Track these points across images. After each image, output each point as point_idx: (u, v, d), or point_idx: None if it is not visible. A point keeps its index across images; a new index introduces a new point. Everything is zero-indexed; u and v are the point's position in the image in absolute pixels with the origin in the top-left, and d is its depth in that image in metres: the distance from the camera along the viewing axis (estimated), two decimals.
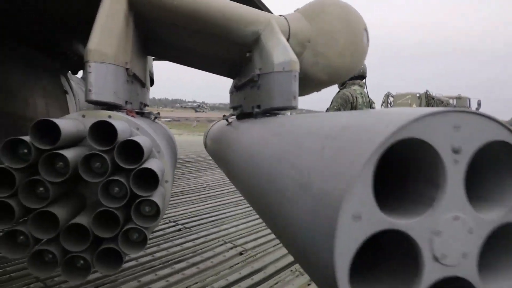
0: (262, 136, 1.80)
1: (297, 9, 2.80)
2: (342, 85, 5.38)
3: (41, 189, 1.46)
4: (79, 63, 4.70)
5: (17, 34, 3.14)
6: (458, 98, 22.59)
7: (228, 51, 2.75)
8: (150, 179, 1.51)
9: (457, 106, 21.60)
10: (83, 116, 1.77)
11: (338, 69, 2.54)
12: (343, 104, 5.11)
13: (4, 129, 2.83)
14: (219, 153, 3.05)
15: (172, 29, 2.52)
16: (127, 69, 2.13)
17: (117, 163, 1.49)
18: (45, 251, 1.46)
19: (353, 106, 5.15)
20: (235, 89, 3.36)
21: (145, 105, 3.28)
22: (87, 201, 1.78)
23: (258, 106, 2.44)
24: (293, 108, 2.04)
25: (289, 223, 1.10)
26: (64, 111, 4.28)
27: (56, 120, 1.43)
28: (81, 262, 1.50)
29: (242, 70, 3.05)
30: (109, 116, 1.78)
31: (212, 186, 7.55)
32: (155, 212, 1.56)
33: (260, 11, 2.43)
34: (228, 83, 3.82)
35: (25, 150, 1.45)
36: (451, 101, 22.32)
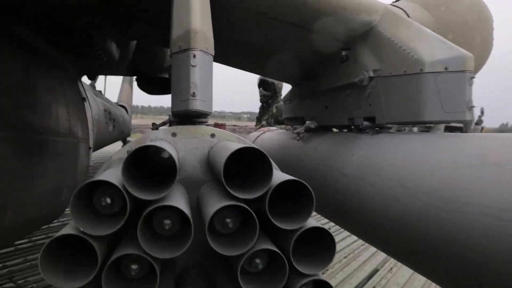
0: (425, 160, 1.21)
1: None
2: (274, 96, 5.33)
3: (133, 267, 0.84)
4: (101, 67, 4.09)
5: (38, 29, 2.53)
6: None
7: (314, 49, 2.17)
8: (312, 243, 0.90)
9: None
10: (174, 134, 1.16)
11: None
12: None
13: (26, 145, 2.21)
14: (291, 174, 2.44)
15: (252, 20, 1.93)
16: None
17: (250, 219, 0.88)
18: None
19: None
20: (304, 96, 2.77)
21: None
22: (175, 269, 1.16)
23: (371, 119, 1.86)
24: (466, 121, 1.45)
25: None
26: (83, 122, 3.66)
27: (166, 147, 0.83)
28: None
29: (318, 72, 2.47)
30: (212, 135, 1.18)
31: None
32: None
33: None
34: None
35: (108, 200, 0.84)
36: None
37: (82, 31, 2.52)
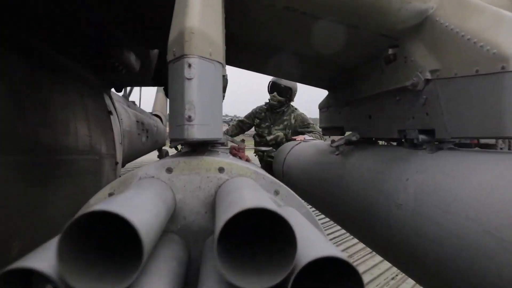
0: None
1: None
2: (286, 104, 4.91)
3: None
4: (125, 78, 3.96)
5: (56, 43, 2.38)
6: None
7: (354, 48, 1.83)
8: None
9: None
10: (169, 170, 0.87)
11: None
12: None
13: (39, 167, 2.05)
14: (330, 195, 2.11)
15: (278, 17, 1.63)
16: (223, 76, 1.22)
17: None
18: None
19: None
20: (343, 103, 2.42)
21: None
22: None
23: (428, 132, 1.48)
24: None
25: None
26: (109, 137, 3.51)
27: (157, 189, 0.55)
28: None
29: (359, 75, 2.12)
30: (221, 169, 0.88)
31: None
32: None
33: None
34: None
35: None
36: None
37: (97, 43, 2.34)
